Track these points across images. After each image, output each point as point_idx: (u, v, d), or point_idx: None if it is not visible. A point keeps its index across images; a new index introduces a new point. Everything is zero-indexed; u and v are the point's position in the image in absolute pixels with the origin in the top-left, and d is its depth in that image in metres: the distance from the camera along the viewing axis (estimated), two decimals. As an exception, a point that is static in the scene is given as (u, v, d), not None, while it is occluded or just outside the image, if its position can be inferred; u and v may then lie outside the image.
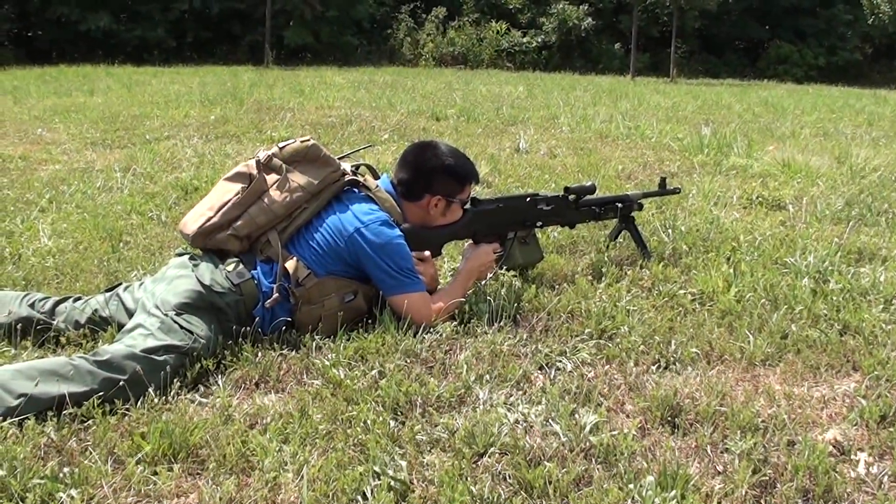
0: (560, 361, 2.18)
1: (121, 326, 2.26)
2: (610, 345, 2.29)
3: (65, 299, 2.41)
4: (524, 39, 25.94)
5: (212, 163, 5.25)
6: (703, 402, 1.93)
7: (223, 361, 2.14)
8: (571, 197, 2.94)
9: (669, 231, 3.48)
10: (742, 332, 2.39)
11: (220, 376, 2.08)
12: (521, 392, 2.02)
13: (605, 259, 3.04)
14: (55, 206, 3.99)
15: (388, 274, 2.35)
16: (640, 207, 3.17)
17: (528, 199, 2.84)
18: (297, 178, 2.40)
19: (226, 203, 2.37)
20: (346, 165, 2.53)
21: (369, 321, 2.40)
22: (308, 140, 2.46)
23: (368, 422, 1.80)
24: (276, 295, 2.27)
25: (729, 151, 6.14)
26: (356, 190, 2.48)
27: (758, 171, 5.35)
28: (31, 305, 2.35)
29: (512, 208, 2.79)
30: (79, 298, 2.43)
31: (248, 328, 2.25)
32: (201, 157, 5.47)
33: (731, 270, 2.92)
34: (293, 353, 2.21)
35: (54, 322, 2.33)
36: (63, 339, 2.27)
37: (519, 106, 9.79)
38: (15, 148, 5.88)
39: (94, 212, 3.83)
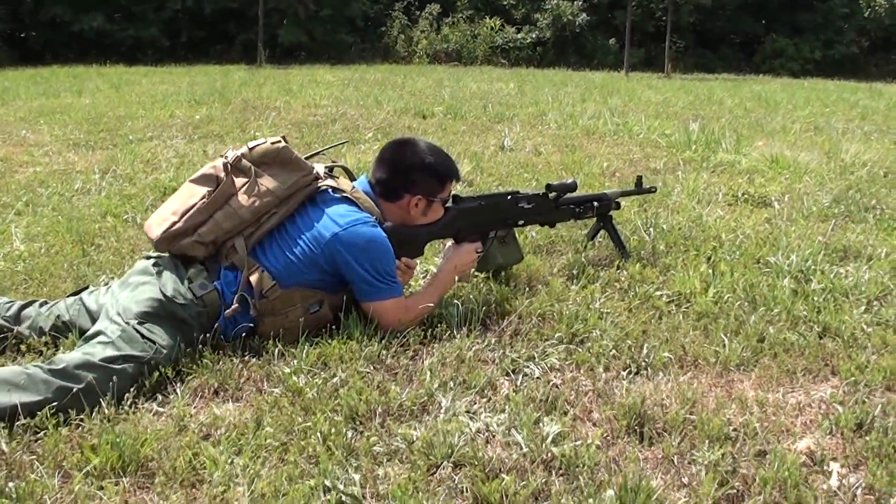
0: (528, 367, 2.11)
1: (82, 331, 2.21)
2: (580, 349, 2.22)
3: (30, 303, 2.36)
4: (518, 35, 25.80)
5: (192, 163, 5.18)
6: (672, 410, 1.87)
7: (182, 368, 2.08)
8: (552, 195, 2.88)
9: (651, 230, 3.42)
10: (717, 336, 2.32)
11: (179, 384, 2.02)
12: (485, 400, 1.95)
13: (583, 259, 2.97)
14: (31, 210, 3.93)
15: (365, 280, 2.28)
16: (618, 206, 3.11)
17: (509, 197, 2.78)
18: (267, 183, 2.32)
19: (190, 208, 2.29)
20: (320, 167, 2.45)
21: (333, 327, 2.33)
22: (279, 141, 2.38)
23: (324, 432, 1.74)
24: (235, 305, 2.21)
25: (717, 147, 6.06)
26: (331, 191, 2.40)
27: (745, 168, 5.27)
28: (-5, 311, 2.30)
29: (493, 206, 2.73)
30: (45, 303, 2.38)
31: (209, 335, 2.19)
32: (182, 158, 5.40)
33: (710, 270, 2.86)
34: (254, 359, 2.15)
35: (16, 328, 2.27)
36: (24, 347, 2.22)
37: (507, 103, 9.70)
38: (-4, 150, 5.82)
39: (69, 214, 3.77)
